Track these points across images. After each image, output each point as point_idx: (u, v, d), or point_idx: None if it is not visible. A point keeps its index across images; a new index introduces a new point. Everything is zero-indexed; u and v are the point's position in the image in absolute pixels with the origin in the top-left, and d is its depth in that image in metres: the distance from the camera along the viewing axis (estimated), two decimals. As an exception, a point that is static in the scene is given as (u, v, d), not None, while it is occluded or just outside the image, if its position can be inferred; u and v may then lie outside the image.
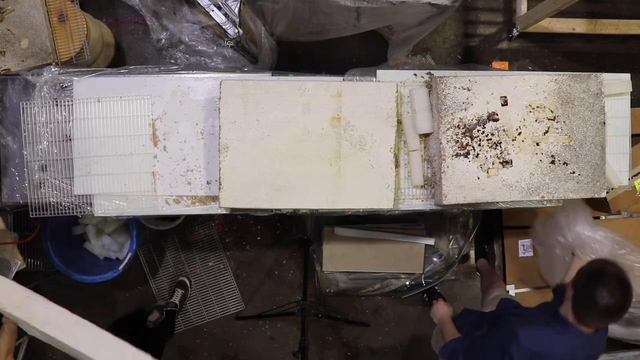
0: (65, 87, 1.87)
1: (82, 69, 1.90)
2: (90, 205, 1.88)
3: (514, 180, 1.80)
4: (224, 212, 1.87)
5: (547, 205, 2.00)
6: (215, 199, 1.89)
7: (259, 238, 2.99)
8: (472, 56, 3.04)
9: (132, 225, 2.51)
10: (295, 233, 2.93)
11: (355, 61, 2.94)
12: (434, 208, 1.92)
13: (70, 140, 1.86)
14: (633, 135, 2.06)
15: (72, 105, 1.85)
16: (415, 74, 1.93)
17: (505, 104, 1.80)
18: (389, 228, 2.83)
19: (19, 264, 2.21)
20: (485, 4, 3.05)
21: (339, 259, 2.84)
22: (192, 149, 1.89)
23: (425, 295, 3.00)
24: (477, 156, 1.79)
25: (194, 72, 1.90)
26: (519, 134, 1.81)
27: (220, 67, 2.28)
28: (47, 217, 1.87)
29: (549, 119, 1.82)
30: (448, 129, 1.78)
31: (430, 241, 2.85)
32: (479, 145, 1.79)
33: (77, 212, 1.87)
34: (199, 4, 1.93)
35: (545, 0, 2.60)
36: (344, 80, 1.90)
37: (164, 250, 2.96)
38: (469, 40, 3.06)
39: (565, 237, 2.12)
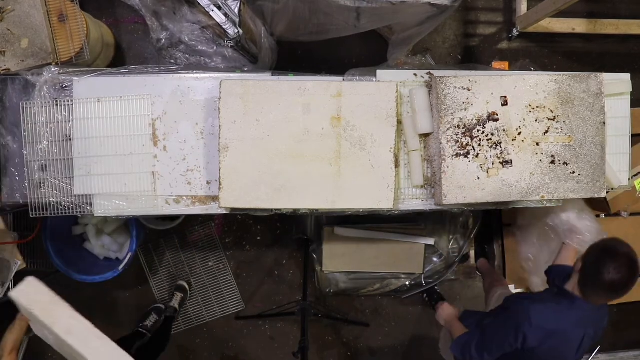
0: (65, 87, 1.87)
1: (82, 69, 1.90)
2: (90, 205, 1.88)
3: (514, 180, 1.80)
4: (224, 212, 1.87)
5: (547, 205, 2.01)
6: (215, 199, 1.89)
7: (259, 238, 2.99)
8: (472, 56, 3.04)
9: (132, 225, 2.51)
10: (295, 233, 2.93)
11: (355, 61, 2.94)
12: (434, 208, 1.92)
13: (70, 140, 1.86)
14: (633, 135, 2.06)
15: (72, 105, 1.85)
16: (415, 74, 1.93)
17: (505, 104, 1.80)
18: (389, 228, 2.83)
19: (19, 264, 2.21)
20: (485, 4, 3.05)
21: (339, 259, 2.84)
22: (192, 149, 1.89)
23: (425, 295, 3.00)
24: (477, 156, 1.79)
25: (194, 72, 1.90)
26: (519, 134, 1.81)
27: (220, 67, 2.28)
28: (47, 217, 1.87)
29: (549, 119, 1.82)
30: (448, 129, 1.78)
31: (430, 241, 2.85)
32: (479, 145, 1.79)
33: (77, 212, 1.87)
34: (199, 4, 1.93)
35: (545, 0, 2.60)
36: (344, 80, 1.90)
37: (164, 250, 2.96)
38: (469, 40, 3.06)
39: (553, 221, 2.16)
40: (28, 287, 1.33)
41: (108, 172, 1.86)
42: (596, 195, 1.86)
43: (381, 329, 3.06)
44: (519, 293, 2.03)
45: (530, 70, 2.17)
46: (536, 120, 1.81)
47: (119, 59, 2.83)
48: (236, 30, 1.94)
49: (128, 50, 2.86)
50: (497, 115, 1.80)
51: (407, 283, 2.94)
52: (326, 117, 1.78)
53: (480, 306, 2.93)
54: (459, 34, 3.05)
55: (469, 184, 1.78)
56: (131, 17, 2.83)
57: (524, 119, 1.81)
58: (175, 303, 2.82)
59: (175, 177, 1.89)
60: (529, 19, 2.81)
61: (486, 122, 1.79)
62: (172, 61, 2.43)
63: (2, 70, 2.14)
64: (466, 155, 1.78)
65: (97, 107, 1.86)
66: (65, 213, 1.87)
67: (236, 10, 1.93)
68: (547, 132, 1.82)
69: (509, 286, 2.85)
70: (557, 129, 1.82)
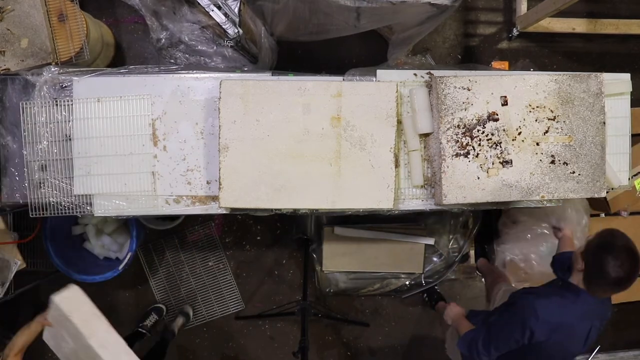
0: (65, 87, 1.87)
1: (82, 69, 1.90)
2: (90, 205, 1.88)
3: (514, 180, 1.80)
4: (224, 212, 1.87)
5: (547, 205, 2.01)
6: (215, 198, 1.89)
7: (259, 238, 2.99)
8: (472, 56, 3.04)
9: (132, 225, 2.51)
10: (295, 233, 2.93)
11: (355, 61, 2.94)
12: (434, 208, 1.92)
13: (70, 140, 1.86)
14: (633, 135, 2.07)
15: (72, 105, 1.85)
16: (415, 74, 1.93)
17: (505, 103, 1.80)
18: (389, 228, 2.83)
19: (19, 263, 2.21)
20: (485, 4, 3.05)
21: (339, 259, 2.84)
22: (192, 148, 1.89)
23: (425, 295, 3.00)
24: (477, 156, 1.79)
25: (194, 72, 1.90)
26: (519, 133, 1.80)
27: (220, 67, 2.28)
28: (47, 217, 1.87)
29: (549, 119, 1.82)
30: (448, 128, 1.78)
31: (430, 241, 2.85)
32: (479, 145, 1.79)
33: (77, 212, 1.87)
34: (199, 3, 1.93)
35: (545, 0, 2.60)
36: (344, 80, 1.90)
37: (164, 250, 2.96)
38: (469, 40, 3.06)
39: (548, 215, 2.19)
40: (71, 295, 1.35)
41: (108, 172, 1.86)
42: (596, 195, 1.86)
43: (381, 328, 3.06)
44: (523, 288, 2.03)
45: (530, 70, 2.17)
46: (536, 120, 1.81)
47: (119, 59, 2.83)
48: (236, 30, 1.94)
49: (128, 50, 2.86)
50: (497, 115, 1.80)
51: (407, 283, 2.94)
52: (326, 117, 1.78)
53: (480, 306, 2.93)
54: (459, 34, 3.05)
55: (469, 183, 1.78)
56: (131, 17, 2.83)
57: (524, 119, 1.81)
58: (175, 327, 2.78)
59: (175, 177, 1.89)
60: (529, 18, 2.81)
61: (486, 122, 1.79)
62: (172, 61, 2.43)
63: (2, 70, 2.14)
64: (466, 155, 1.78)
65: (97, 107, 1.86)
66: (65, 213, 1.87)
67: (236, 10, 1.93)
68: (547, 132, 1.82)
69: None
70: (557, 128, 1.82)
